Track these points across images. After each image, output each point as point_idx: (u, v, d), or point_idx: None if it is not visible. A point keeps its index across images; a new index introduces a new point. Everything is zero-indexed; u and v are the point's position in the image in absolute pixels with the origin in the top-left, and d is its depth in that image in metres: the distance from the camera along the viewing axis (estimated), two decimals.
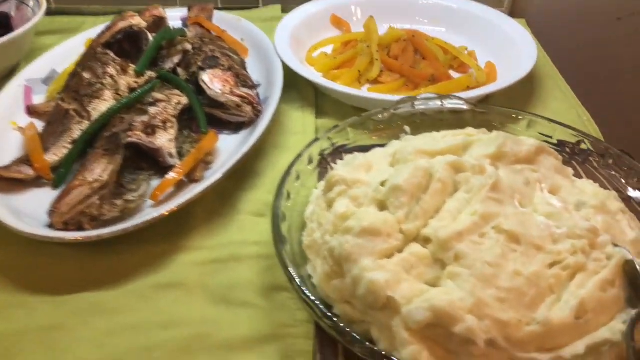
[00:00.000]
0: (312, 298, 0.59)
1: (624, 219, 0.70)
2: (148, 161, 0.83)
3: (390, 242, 0.62)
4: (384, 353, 0.54)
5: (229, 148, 0.87)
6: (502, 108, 0.87)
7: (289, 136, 0.94)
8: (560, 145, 0.84)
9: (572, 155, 0.83)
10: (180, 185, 0.80)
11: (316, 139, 0.79)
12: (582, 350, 0.55)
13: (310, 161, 0.78)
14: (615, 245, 0.63)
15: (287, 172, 0.73)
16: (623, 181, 0.79)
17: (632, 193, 0.77)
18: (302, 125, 0.96)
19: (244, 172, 0.86)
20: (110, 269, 0.70)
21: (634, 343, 0.55)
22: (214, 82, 0.91)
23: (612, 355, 0.56)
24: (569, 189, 0.73)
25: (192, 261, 0.73)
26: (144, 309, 0.66)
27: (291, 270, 0.61)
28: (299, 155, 0.76)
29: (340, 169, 0.73)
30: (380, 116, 0.86)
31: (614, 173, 0.80)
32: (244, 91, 0.91)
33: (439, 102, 0.87)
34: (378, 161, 0.75)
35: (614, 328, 0.57)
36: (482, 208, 0.64)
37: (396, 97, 0.92)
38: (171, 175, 0.77)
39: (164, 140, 0.82)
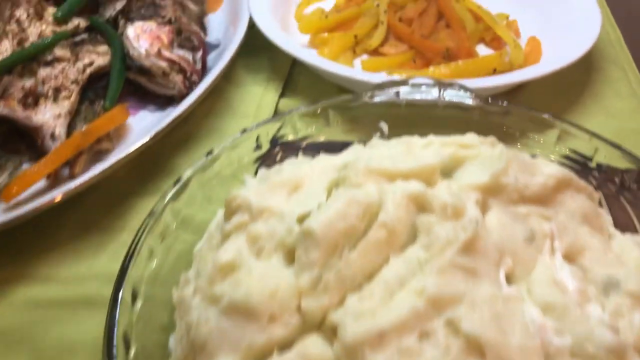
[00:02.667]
0: None
1: None
2: (28, 142, 0.63)
3: (273, 331, 0.39)
4: None
5: (148, 129, 0.65)
6: (523, 108, 0.60)
7: (231, 120, 0.70)
8: (602, 173, 0.57)
9: (621, 188, 0.56)
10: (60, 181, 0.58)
11: (241, 132, 0.56)
12: None
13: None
14: None
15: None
16: None
17: None
18: (256, 106, 0.71)
19: (149, 169, 0.63)
20: None
21: None
22: (140, 38, 0.69)
23: None
24: (598, 251, 0.47)
25: (30, 299, 0.51)
26: None
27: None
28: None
29: (251, 186, 0.50)
30: (347, 104, 0.61)
31: None
32: (177, 54, 0.68)
33: (435, 91, 0.62)
34: (314, 178, 0.51)
35: None
36: (434, 285, 0.39)
37: (381, 78, 0.66)
38: (36, 168, 0.56)
39: (49, 115, 0.61)
